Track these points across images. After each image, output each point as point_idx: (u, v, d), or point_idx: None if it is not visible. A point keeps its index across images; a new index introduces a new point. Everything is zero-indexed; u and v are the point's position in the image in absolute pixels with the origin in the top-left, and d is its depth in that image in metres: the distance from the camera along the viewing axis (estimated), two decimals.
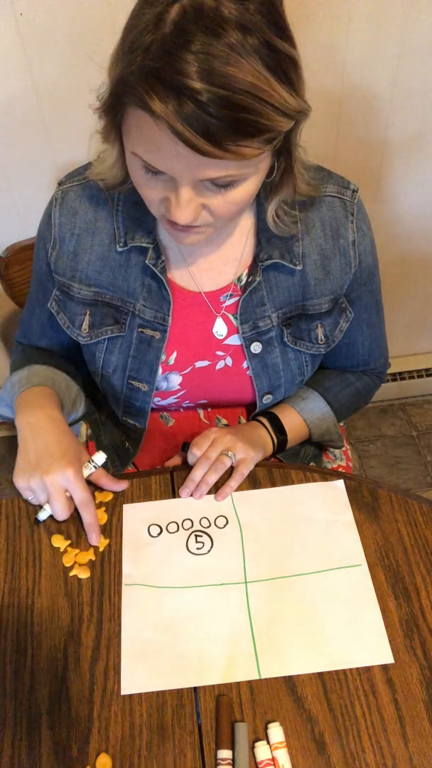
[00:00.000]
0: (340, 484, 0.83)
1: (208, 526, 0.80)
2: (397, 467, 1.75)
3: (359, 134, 1.21)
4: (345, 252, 0.83)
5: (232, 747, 0.62)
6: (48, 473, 0.76)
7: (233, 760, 0.62)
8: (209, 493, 0.82)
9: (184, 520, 0.80)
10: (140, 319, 0.84)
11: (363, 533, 0.78)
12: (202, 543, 0.78)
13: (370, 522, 0.79)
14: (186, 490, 0.82)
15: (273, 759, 0.61)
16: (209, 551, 0.77)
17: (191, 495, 0.82)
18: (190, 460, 0.84)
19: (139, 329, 0.85)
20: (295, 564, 0.75)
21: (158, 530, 0.80)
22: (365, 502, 0.81)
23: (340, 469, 1.09)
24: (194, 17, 0.53)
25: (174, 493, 0.83)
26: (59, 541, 0.78)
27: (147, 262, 0.80)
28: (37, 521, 0.79)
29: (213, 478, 0.82)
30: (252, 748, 0.63)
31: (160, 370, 0.88)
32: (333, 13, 1.03)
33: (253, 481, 0.84)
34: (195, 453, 0.84)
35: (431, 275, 1.55)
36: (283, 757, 0.62)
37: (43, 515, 0.79)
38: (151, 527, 0.80)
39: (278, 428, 0.93)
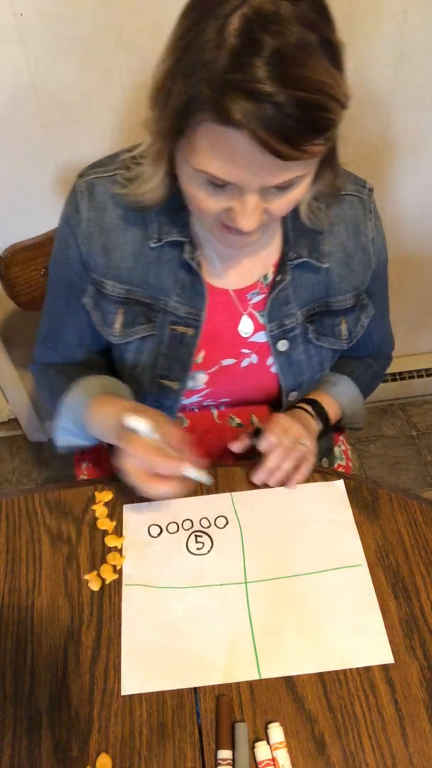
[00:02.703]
0: (339, 484, 0.83)
1: (208, 526, 0.80)
2: (397, 467, 1.75)
3: (359, 135, 1.21)
4: (366, 249, 0.86)
5: (232, 747, 0.62)
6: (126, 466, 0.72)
7: (233, 760, 0.62)
8: (210, 492, 0.82)
9: (184, 521, 0.80)
10: (172, 315, 0.83)
11: (363, 533, 0.78)
12: (202, 543, 0.78)
13: (370, 522, 0.79)
14: (260, 476, 0.82)
15: (273, 759, 0.61)
16: (209, 551, 0.77)
17: (266, 483, 0.82)
18: (264, 446, 0.83)
19: (171, 326, 0.84)
20: (295, 564, 0.75)
21: (158, 530, 0.80)
22: (365, 502, 0.81)
23: (340, 469, 1.09)
24: (258, 23, 0.53)
25: None
26: (114, 541, 0.78)
27: (184, 256, 0.79)
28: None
29: (288, 466, 0.82)
30: (252, 748, 0.63)
31: (191, 367, 0.87)
32: (333, 13, 1.02)
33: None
34: (271, 439, 0.82)
35: (431, 275, 1.55)
36: (283, 757, 0.62)
37: (205, 478, 0.72)
38: (151, 527, 0.80)
39: (321, 415, 0.94)
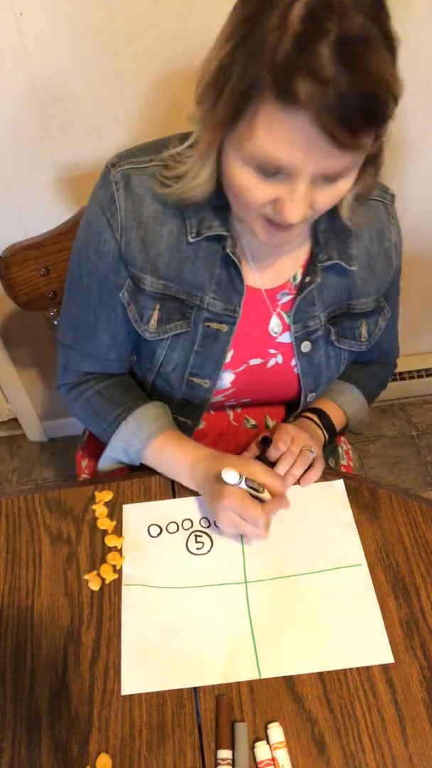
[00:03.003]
0: (339, 483, 0.83)
1: (208, 526, 0.80)
2: (397, 467, 1.75)
3: None
4: (388, 253, 0.87)
5: (232, 747, 0.62)
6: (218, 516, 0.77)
7: (233, 760, 0.62)
8: None
9: (183, 520, 0.80)
10: (207, 312, 0.83)
11: (363, 533, 0.78)
12: (202, 543, 0.78)
13: (370, 522, 0.79)
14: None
15: (273, 759, 0.61)
16: (209, 551, 0.77)
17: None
18: (274, 454, 0.84)
19: (205, 323, 0.83)
20: (295, 564, 0.75)
21: (158, 530, 0.79)
22: (365, 502, 0.81)
23: (340, 469, 1.09)
24: (322, 10, 0.54)
25: (174, 493, 0.83)
26: (114, 540, 0.79)
27: (227, 250, 0.78)
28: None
29: (298, 472, 0.83)
30: (252, 748, 0.63)
31: (224, 364, 0.87)
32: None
33: None
34: (280, 447, 0.84)
35: (431, 275, 1.55)
36: (283, 757, 0.62)
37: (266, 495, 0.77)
38: (150, 527, 0.80)
39: (327, 425, 0.95)
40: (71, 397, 0.94)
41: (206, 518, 0.80)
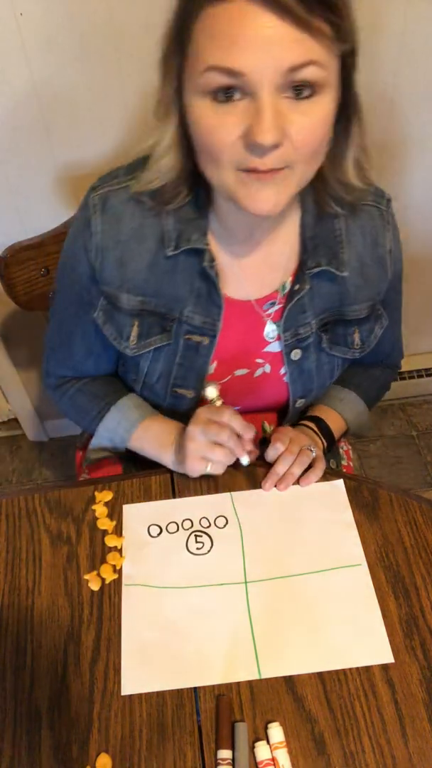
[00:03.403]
0: (339, 483, 0.83)
1: (208, 526, 0.80)
2: (397, 467, 1.75)
3: None
4: (382, 260, 0.85)
5: (232, 747, 0.62)
6: (192, 432, 0.79)
7: (233, 760, 0.62)
8: (210, 492, 0.82)
9: (183, 520, 0.80)
10: (188, 325, 0.83)
11: (363, 533, 0.78)
12: (202, 543, 0.78)
13: (370, 522, 0.79)
14: (269, 482, 0.82)
15: (273, 759, 0.61)
16: (209, 551, 0.77)
17: (275, 487, 0.83)
18: (272, 455, 0.84)
19: (186, 336, 0.83)
20: (295, 564, 0.75)
21: (158, 530, 0.79)
22: (365, 502, 0.81)
23: (340, 470, 1.09)
24: None
25: (174, 493, 0.83)
26: (114, 540, 0.78)
27: (204, 264, 0.78)
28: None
29: (298, 471, 0.83)
30: (252, 748, 0.63)
31: (206, 377, 0.87)
32: None
33: (253, 481, 0.84)
34: (279, 447, 0.83)
35: (431, 275, 1.54)
36: (283, 757, 0.62)
37: (246, 460, 0.80)
38: (150, 527, 0.80)
39: (325, 433, 0.94)
40: (56, 396, 0.98)
41: (206, 518, 0.80)
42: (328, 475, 0.84)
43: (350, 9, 0.60)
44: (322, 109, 0.62)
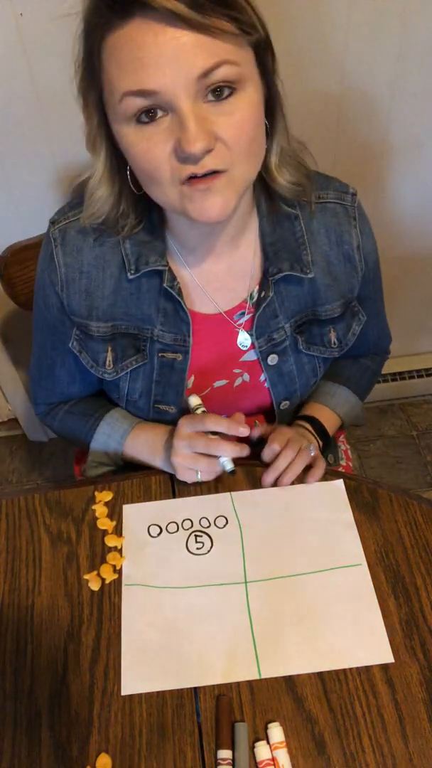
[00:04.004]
0: (339, 483, 0.83)
1: (208, 526, 0.80)
2: (397, 467, 1.75)
3: (359, 135, 1.21)
4: (350, 257, 0.84)
5: (232, 747, 0.62)
6: (176, 446, 0.78)
7: (233, 760, 0.62)
8: (210, 492, 0.82)
9: (184, 520, 0.80)
10: (159, 343, 0.83)
11: (363, 533, 0.78)
12: (202, 543, 0.78)
13: (370, 522, 0.79)
14: (270, 475, 0.82)
15: (273, 759, 0.61)
16: (209, 551, 0.77)
17: (276, 484, 0.82)
18: (269, 454, 0.84)
19: (160, 354, 0.84)
20: (295, 564, 0.75)
21: (158, 530, 0.80)
22: (365, 502, 0.81)
23: (340, 469, 1.09)
24: None
25: (174, 493, 0.83)
26: (114, 540, 0.79)
27: (165, 284, 0.79)
28: (233, 473, 0.78)
29: (299, 467, 0.82)
30: (252, 748, 0.63)
31: (186, 390, 0.88)
32: (333, 14, 1.03)
33: (253, 481, 0.84)
34: (275, 447, 0.83)
35: (431, 275, 1.55)
36: (283, 757, 0.62)
37: (229, 466, 0.78)
38: (150, 527, 0.80)
39: (321, 432, 0.94)
40: (48, 422, 1.01)
41: (206, 518, 0.80)
42: (328, 475, 0.84)
43: (248, 0, 0.60)
44: (246, 103, 0.62)
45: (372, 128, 1.20)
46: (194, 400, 0.83)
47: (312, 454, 0.84)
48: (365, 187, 1.29)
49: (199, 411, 0.81)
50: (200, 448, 0.77)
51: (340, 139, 1.21)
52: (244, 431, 0.76)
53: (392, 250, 1.44)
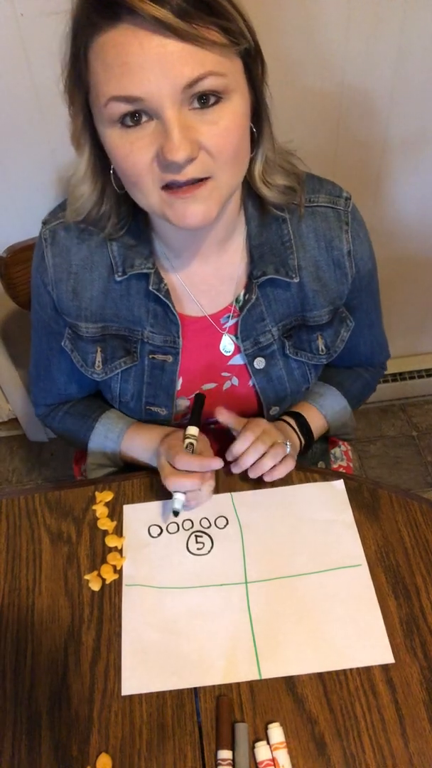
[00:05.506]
0: (339, 484, 0.83)
1: (209, 527, 0.80)
2: (397, 467, 1.75)
3: (359, 135, 1.21)
4: (340, 263, 0.82)
5: (232, 747, 0.62)
6: (162, 474, 0.78)
7: (233, 760, 0.62)
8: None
9: (184, 521, 0.80)
10: (150, 345, 0.83)
11: (363, 533, 0.78)
12: (203, 543, 0.78)
13: (370, 522, 0.79)
14: (234, 470, 0.81)
15: (273, 759, 0.61)
16: (209, 551, 0.77)
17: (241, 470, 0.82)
18: (238, 449, 0.80)
19: (150, 355, 0.84)
20: (295, 564, 0.75)
21: (158, 530, 0.80)
22: (365, 502, 0.81)
23: (340, 469, 1.09)
24: None
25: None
26: (114, 541, 0.79)
27: (150, 287, 0.79)
28: (175, 513, 0.76)
29: (270, 463, 0.80)
30: (252, 748, 0.63)
31: (176, 392, 0.87)
32: (332, 13, 1.03)
33: (253, 481, 0.84)
34: (248, 436, 0.80)
35: (431, 275, 1.55)
36: (283, 757, 0.62)
37: (177, 504, 0.76)
38: (151, 527, 0.80)
39: (305, 429, 0.93)
40: (48, 423, 1.02)
41: (207, 518, 0.80)
42: (328, 475, 0.84)
43: (238, 8, 0.60)
44: (231, 113, 0.62)
45: (372, 128, 1.20)
46: (191, 430, 0.80)
47: (288, 450, 0.82)
48: (365, 187, 1.30)
49: (187, 441, 0.79)
50: (165, 482, 0.78)
51: (339, 139, 1.21)
52: (216, 465, 0.76)
53: (392, 250, 1.44)
